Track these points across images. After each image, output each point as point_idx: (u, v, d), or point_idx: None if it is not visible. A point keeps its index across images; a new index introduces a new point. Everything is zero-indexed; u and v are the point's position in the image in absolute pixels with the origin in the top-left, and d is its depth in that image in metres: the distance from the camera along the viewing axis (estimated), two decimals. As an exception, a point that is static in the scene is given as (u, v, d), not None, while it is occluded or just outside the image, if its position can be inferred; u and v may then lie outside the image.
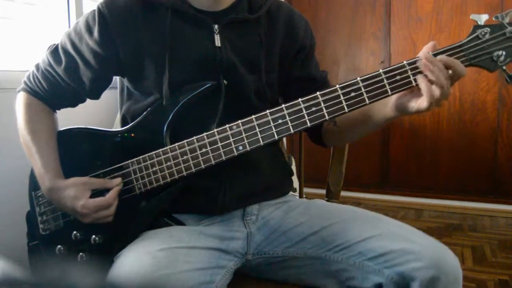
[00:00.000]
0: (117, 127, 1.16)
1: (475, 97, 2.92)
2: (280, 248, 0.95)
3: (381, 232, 0.87)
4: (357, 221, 0.92)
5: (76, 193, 0.89)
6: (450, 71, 0.79)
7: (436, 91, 0.77)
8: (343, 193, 1.38)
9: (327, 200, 1.30)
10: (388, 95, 0.81)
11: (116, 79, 1.04)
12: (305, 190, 1.60)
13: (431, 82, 0.77)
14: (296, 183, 1.63)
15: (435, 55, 0.79)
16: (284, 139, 1.45)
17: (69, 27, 1.81)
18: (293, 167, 1.66)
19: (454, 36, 2.89)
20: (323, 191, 1.33)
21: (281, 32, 1.01)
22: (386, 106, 0.86)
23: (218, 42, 0.93)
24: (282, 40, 1.01)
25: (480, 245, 2.43)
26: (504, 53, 0.79)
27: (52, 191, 0.92)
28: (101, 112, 1.68)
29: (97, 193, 0.91)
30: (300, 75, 1.05)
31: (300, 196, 1.41)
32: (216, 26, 0.94)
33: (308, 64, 1.06)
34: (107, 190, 0.91)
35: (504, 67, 0.80)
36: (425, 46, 0.80)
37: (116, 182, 0.91)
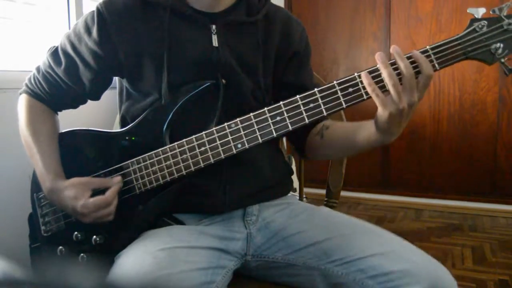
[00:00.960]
0: (117, 127, 1.16)
1: (475, 97, 2.92)
2: (280, 254, 0.95)
3: (383, 250, 0.86)
4: (360, 236, 0.91)
5: (76, 193, 0.89)
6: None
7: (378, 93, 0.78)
8: (343, 193, 1.38)
9: (326, 201, 1.29)
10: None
11: (116, 79, 1.04)
12: (305, 190, 1.60)
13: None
14: (296, 183, 1.64)
15: (432, 49, 0.79)
16: (284, 139, 1.44)
17: (69, 27, 1.82)
18: (293, 167, 1.66)
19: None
20: (323, 191, 1.33)
21: (277, 35, 1.01)
22: (371, 127, 0.85)
23: (215, 43, 0.94)
24: (278, 44, 1.01)
25: (480, 245, 2.42)
26: (502, 45, 0.78)
27: (52, 192, 0.93)
28: (101, 113, 1.68)
29: (98, 193, 0.91)
30: (292, 82, 1.04)
31: (300, 196, 1.41)
32: (213, 27, 0.94)
33: (301, 72, 1.05)
34: (108, 189, 0.91)
35: (502, 60, 0.80)
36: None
37: (116, 181, 0.91)
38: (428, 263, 0.85)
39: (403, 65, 0.77)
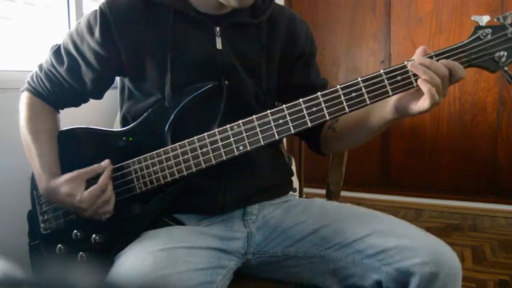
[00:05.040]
0: (117, 127, 1.16)
1: (475, 97, 2.92)
2: (279, 247, 0.95)
3: (380, 229, 0.87)
4: (355, 219, 0.92)
5: (71, 189, 0.89)
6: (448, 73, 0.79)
7: (434, 92, 0.77)
8: (343, 193, 1.38)
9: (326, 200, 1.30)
10: (389, 96, 0.81)
11: (117, 78, 1.04)
12: (305, 190, 1.60)
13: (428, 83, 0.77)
14: (296, 183, 1.64)
15: (436, 55, 0.79)
16: (284, 139, 1.45)
17: (69, 27, 1.82)
18: (293, 167, 1.66)
19: (454, 36, 2.89)
20: (323, 191, 1.33)
21: (282, 37, 1.01)
22: (386, 108, 0.86)
23: (219, 45, 0.94)
24: (283, 46, 1.01)
25: (480, 245, 2.43)
26: (505, 53, 0.79)
27: (48, 191, 0.92)
28: (101, 112, 1.68)
29: (92, 183, 0.90)
30: (300, 82, 1.04)
31: (300, 196, 1.41)
32: (217, 29, 0.94)
33: (309, 71, 1.05)
34: (100, 175, 0.90)
35: (506, 68, 0.80)
36: (417, 50, 0.80)
37: (105, 164, 0.90)
38: (426, 237, 0.86)
39: (433, 70, 0.78)
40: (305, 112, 0.83)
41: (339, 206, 1.00)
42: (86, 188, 0.89)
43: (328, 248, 0.90)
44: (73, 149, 0.99)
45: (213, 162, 0.86)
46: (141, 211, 0.92)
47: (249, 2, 0.90)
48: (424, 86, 0.77)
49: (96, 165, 0.91)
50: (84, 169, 0.91)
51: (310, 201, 1.03)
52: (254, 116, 0.84)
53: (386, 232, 0.86)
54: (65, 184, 0.90)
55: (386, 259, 0.83)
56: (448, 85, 0.79)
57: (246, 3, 0.89)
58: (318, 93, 0.82)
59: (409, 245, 0.83)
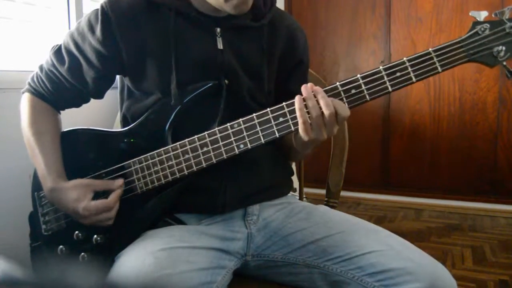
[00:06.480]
0: (117, 126, 1.16)
1: (475, 97, 2.92)
2: (279, 253, 0.95)
3: (382, 248, 0.86)
4: (359, 233, 0.91)
5: (78, 195, 0.89)
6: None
7: (308, 127, 0.81)
8: (343, 193, 1.38)
9: (327, 201, 1.29)
10: (389, 92, 0.81)
11: (117, 78, 1.04)
12: (305, 190, 1.60)
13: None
14: (296, 183, 1.64)
15: (435, 51, 0.80)
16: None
17: (69, 27, 1.82)
18: (293, 167, 1.66)
19: (454, 35, 2.88)
20: (323, 191, 1.33)
21: (282, 42, 1.01)
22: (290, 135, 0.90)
23: (220, 45, 0.94)
24: (282, 51, 1.01)
25: (480, 245, 2.43)
26: (504, 48, 0.79)
27: (54, 192, 0.92)
28: (101, 112, 1.68)
29: (99, 194, 0.91)
30: (296, 90, 1.03)
31: (300, 196, 1.41)
32: (218, 29, 0.94)
33: (305, 80, 1.06)
34: (109, 192, 0.91)
35: (504, 63, 0.81)
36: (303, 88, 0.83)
37: (118, 184, 0.91)
38: (427, 261, 0.85)
39: (311, 104, 0.81)
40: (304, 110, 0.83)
41: (342, 217, 0.99)
42: (93, 199, 0.89)
43: (328, 260, 0.90)
44: (75, 150, 0.99)
45: (214, 160, 0.87)
46: (142, 211, 0.92)
47: (245, 10, 0.90)
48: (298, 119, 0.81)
49: (109, 181, 0.92)
50: (96, 181, 0.92)
51: (314, 208, 1.03)
52: (254, 114, 0.85)
53: (388, 252, 0.86)
54: (73, 189, 0.90)
55: (386, 280, 0.83)
56: (333, 124, 0.82)
57: (242, 11, 0.89)
58: None
59: (409, 268, 0.82)
